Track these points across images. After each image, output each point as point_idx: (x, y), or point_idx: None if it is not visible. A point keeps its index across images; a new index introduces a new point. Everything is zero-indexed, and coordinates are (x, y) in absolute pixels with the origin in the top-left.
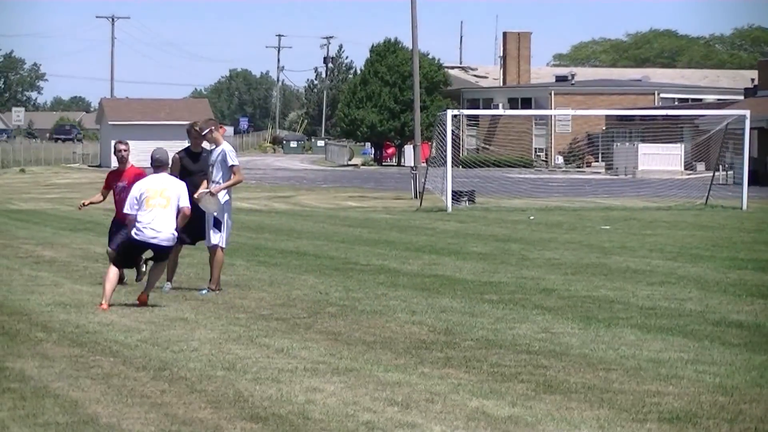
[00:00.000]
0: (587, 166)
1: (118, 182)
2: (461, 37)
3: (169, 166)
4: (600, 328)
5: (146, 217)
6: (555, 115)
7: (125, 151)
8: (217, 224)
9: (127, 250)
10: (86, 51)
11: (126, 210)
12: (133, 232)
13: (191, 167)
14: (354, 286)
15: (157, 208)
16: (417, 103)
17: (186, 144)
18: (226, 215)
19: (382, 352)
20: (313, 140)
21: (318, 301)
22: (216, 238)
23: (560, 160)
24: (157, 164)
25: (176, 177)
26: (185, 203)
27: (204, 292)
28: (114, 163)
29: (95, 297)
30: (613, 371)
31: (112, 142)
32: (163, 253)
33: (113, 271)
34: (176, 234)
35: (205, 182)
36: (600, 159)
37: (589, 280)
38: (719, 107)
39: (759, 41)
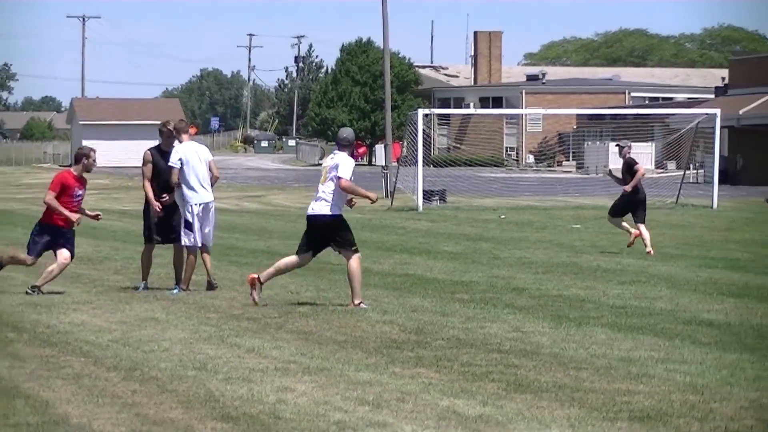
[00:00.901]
0: (558, 165)
1: (79, 189)
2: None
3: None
4: (571, 327)
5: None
6: (526, 115)
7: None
8: (188, 225)
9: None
10: (57, 51)
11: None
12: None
13: (161, 165)
14: (325, 286)
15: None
16: (388, 102)
17: (157, 142)
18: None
19: (353, 352)
20: (284, 140)
21: (289, 300)
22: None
23: (531, 159)
24: (345, 143)
25: (150, 172)
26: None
27: (175, 291)
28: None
29: (66, 297)
30: (583, 370)
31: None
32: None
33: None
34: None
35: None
36: (571, 158)
37: (560, 279)
38: (690, 106)
39: (729, 40)
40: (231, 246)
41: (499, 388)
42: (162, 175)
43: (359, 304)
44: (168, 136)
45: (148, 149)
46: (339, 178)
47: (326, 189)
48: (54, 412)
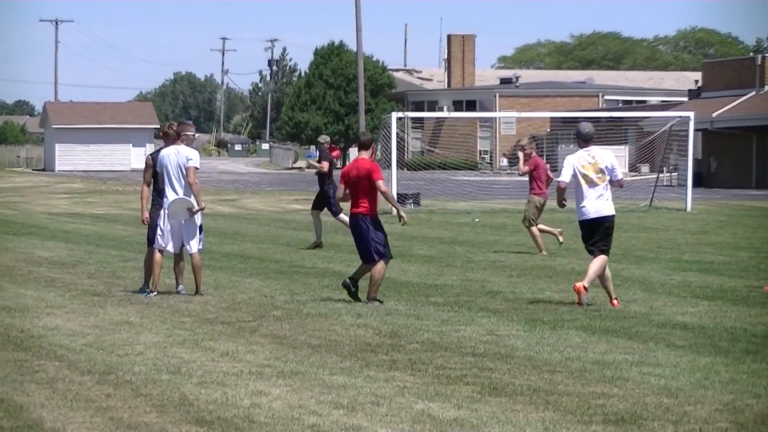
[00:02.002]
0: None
1: None
2: (406, 39)
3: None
4: (545, 330)
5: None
6: (500, 118)
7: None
8: (200, 230)
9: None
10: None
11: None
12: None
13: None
14: (299, 289)
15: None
16: (362, 105)
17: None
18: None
19: (327, 355)
20: (257, 143)
21: (263, 304)
22: (199, 243)
23: (505, 162)
24: (585, 137)
25: (150, 177)
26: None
27: (181, 288)
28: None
29: (39, 301)
30: (558, 373)
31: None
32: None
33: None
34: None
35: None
36: (545, 161)
37: (534, 282)
38: (663, 109)
39: (702, 43)
40: (205, 250)
41: (474, 391)
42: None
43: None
44: (173, 139)
45: (150, 154)
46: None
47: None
48: (28, 416)
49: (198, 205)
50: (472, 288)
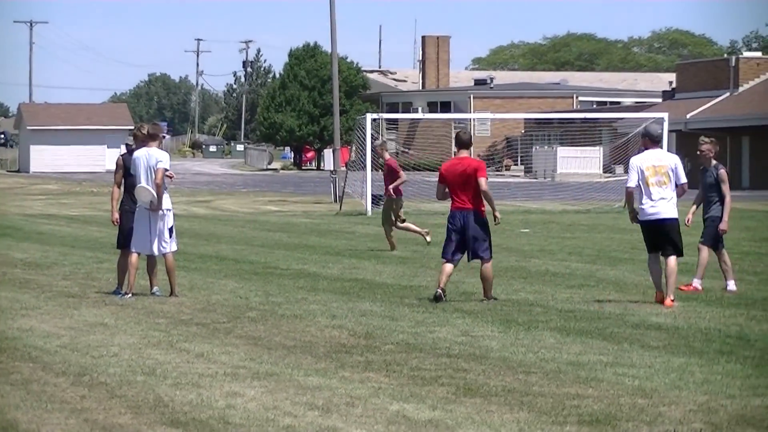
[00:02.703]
0: (506, 170)
1: None
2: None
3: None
4: (520, 331)
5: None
6: (474, 119)
7: None
8: (171, 231)
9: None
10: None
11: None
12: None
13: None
14: (274, 291)
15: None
16: (336, 107)
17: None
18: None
19: (302, 357)
20: (232, 144)
21: (238, 305)
22: (171, 244)
23: None
24: (655, 139)
25: (121, 178)
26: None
27: (156, 291)
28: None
29: (14, 303)
30: (532, 374)
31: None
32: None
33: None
34: None
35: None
36: (519, 162)
37: (509, 283)
38: (637, 110)
39: (677, 44)
40: (179, 251)
41: (449, 392)
42: (132, 179)
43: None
44: (142, 140)
45: (121, 155)
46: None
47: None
48: (2, 417)
49: (158, 207)
50: (446, 289)
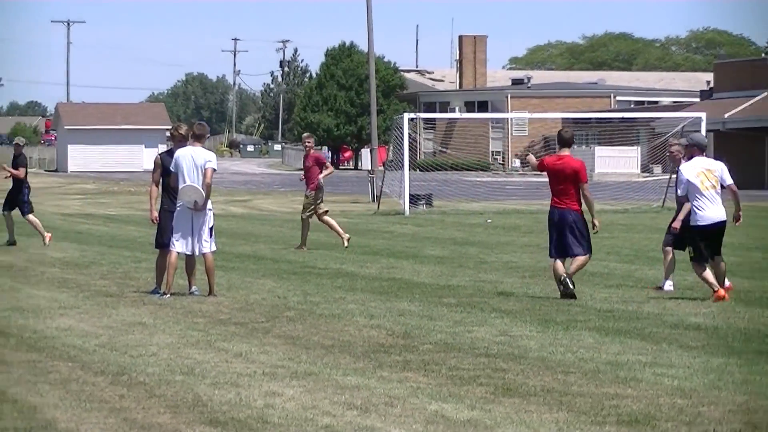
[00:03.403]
0: None
1: None
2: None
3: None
4: (558, 330)
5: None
6: (511, 118)
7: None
8: (211, 231)
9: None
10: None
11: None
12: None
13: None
14: (312, 290)
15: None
16: (373, 106)
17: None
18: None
19: (340, 356)
20: (269, 144)
21: (276, 305)
22: (211, 244)
23: (517, 163)
24: (703, 148)
25: (159, 177)
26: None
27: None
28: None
29: (53, 302)
30: (571, 374)
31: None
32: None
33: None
34: None
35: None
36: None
37: (547, 283)
38: (675, 110)
39: (713, 43)
40: (217, 251)
41: (487, 392)
42: (168, 180)
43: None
44: (179, 140)
45: (159, 154)
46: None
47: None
48: (42, 417)
49: (203, 207)
50: (484, 289)
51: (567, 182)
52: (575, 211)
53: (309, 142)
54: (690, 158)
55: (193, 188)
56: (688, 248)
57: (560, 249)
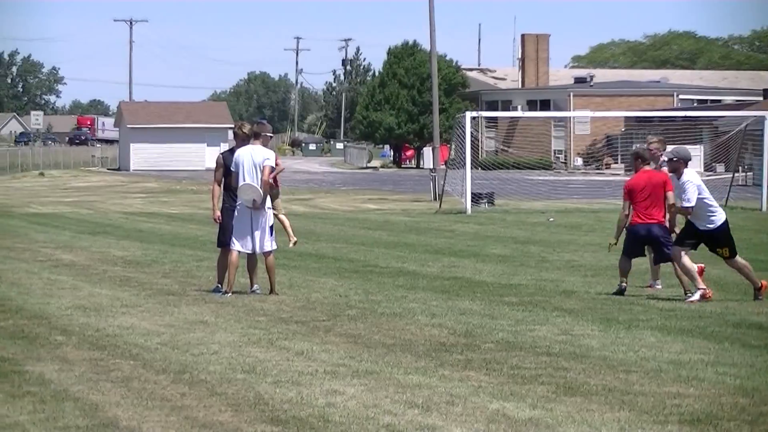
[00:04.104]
0: (606, 168)
1: None
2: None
3: None
4: (620, 329)
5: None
6: (574, 117)
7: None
8: (270, 229)
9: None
10: (104, 54)
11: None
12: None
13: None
14: (373, 289)
15: None
16: (435, 105)
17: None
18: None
19: (402, 355)
20: (331, 143)
21: (337, 303)
22: (271, 243)
23: (579, 161)
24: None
25: (221, 176)
26: None
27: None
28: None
29: (115, 300)
30: (633, 373)
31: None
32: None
33: None
34: None
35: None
36: (619, 161)
37: (609, 282)
38: (738, 108)
39: None
40: (279, 249)
41: (549, 391)
42: (230, 179)
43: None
44: (243, 139)
45: (221, 153)
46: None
47: None
48: (103, 415)
49: (261, 206)
50: (546, 287)
51: (657, 197)
52: (663, 223)
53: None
54: (673, 172)
55: (251, 187)
56: (722, 249)
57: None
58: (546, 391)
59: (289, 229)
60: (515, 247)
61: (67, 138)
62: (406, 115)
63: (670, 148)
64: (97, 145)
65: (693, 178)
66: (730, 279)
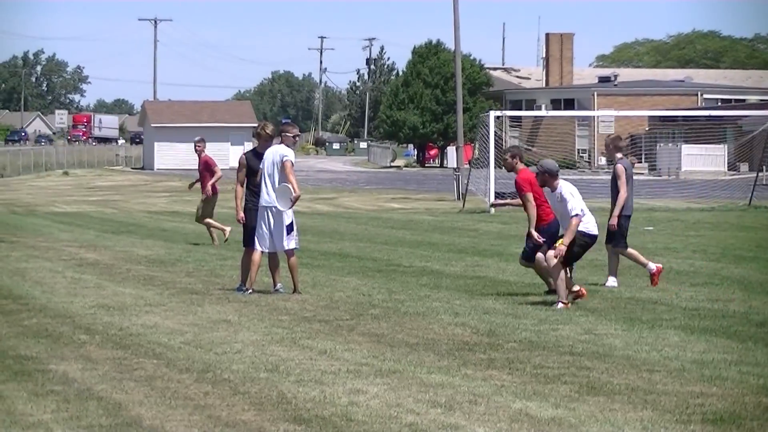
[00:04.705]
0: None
1: None
2: (503, 38)
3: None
4: (643, 329)
5: None
6: (598, 116)
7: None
8: (290, 228)
9: None
10: (129, 53)
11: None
12: None
13: (256, 167)
14: (397, 288)
15: None
16: (459, 104)
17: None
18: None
19: (425, 354)
20: (355, 142)
21: (361, 302)
22: (292, 241)
23: (603, 161)
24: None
25: (244, 177)
26: None
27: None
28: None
29: (138, 299)
30: (656, 372)
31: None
32: None
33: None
34: None
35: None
36: (643, 160)
37: (633, 281)
38: (763, 108)
39: None
40: (302, 248)
41: (572, 390)
42: (255, 178)
43: None
44: (265, 140)
45: (243, 153)
46: None
47: None
48: (127, 414)
49: (294, 191)
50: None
51: None
52: None
53: (199, 146)
54: (543, 185)
55: (287, 188)
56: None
57: None
58: (569, 390)
59: (217, 227)
60: None
61: (67, 138)
62: (430, 115)
63: (692, 147)
64: (120, 143)
65: (567, 187)
66: (754, 278)
